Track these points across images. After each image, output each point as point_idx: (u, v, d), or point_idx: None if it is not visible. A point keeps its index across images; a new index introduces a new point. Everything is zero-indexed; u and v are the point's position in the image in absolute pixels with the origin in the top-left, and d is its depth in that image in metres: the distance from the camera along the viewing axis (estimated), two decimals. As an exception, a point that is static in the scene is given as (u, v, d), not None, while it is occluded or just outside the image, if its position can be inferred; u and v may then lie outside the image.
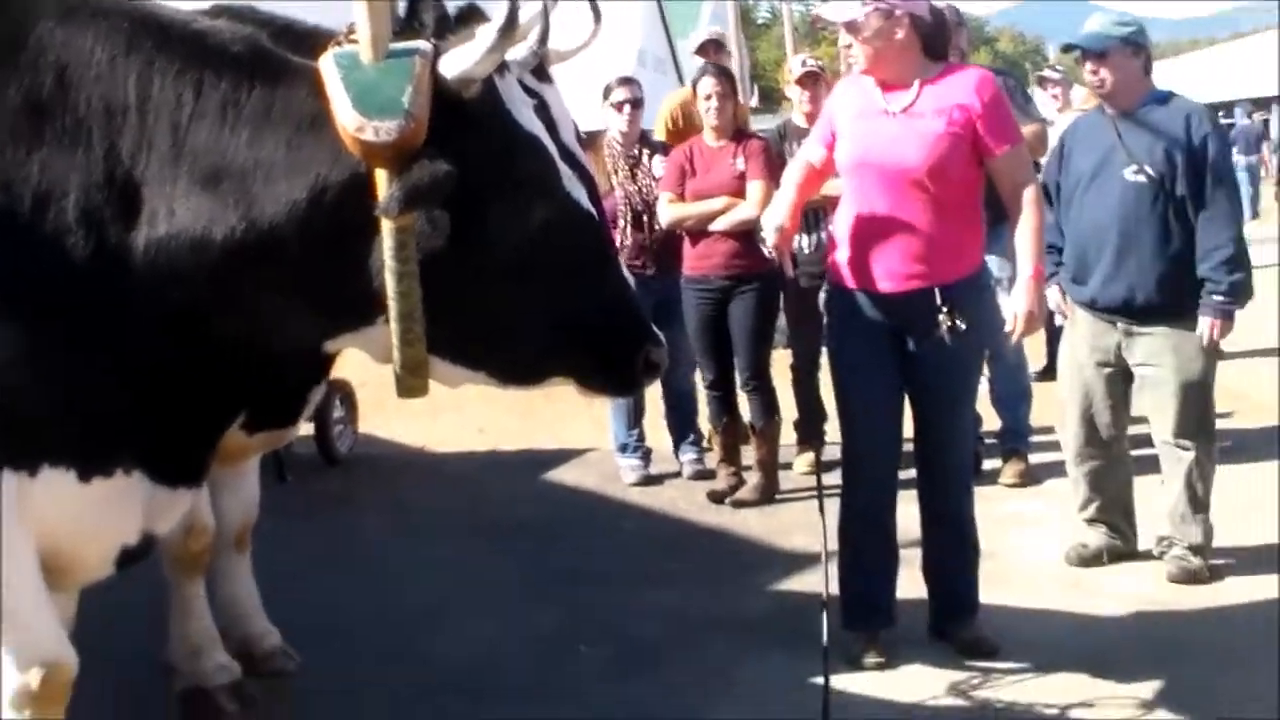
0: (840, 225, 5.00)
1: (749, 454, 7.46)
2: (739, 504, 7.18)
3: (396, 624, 5.52)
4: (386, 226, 3.17)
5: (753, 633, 5.34)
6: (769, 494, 7.24)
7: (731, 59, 14.34)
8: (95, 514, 3.37)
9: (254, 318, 3.37)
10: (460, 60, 3.21)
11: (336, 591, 5.86)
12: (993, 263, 6.52)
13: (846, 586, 5.06)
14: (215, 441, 3.64)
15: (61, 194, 3.19)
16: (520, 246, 3.31)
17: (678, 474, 7.83)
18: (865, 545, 5.04)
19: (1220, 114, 17.22)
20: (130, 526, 3.48)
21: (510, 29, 3.19)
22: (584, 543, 6.68)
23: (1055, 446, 6.37)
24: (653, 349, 3.52)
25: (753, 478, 7.31)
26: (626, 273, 3.67)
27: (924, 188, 4.74)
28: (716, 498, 7.30)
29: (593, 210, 3.53)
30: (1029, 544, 6.29)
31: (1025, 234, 4.86)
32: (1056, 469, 6.57)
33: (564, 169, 3.45)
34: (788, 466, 7.63)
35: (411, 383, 3.41)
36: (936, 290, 4.75)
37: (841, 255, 4.97)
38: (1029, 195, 4.81)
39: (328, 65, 3.22)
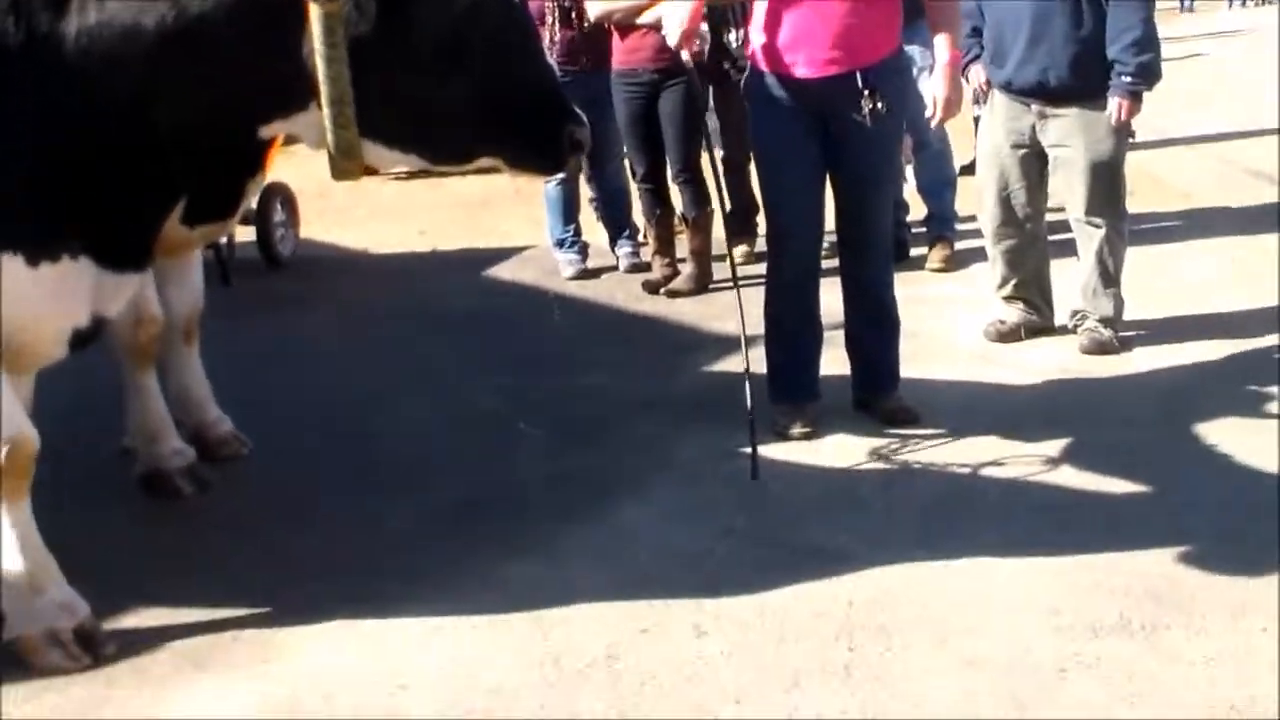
0: (759, 12, 5.06)
1: (682, 246, 7.64)
2: (673, 294, 7.39)
3: (340, 408, 5.74)
4: (315, 11, 3.26)
5: (686, 410, 5.57)
6: (702, 284, 7.45)
7: None
8: (45, 297, 3.52)
9: (189, 104, 3.47)
10: None
11: (281, 382, 6.06)
12: (914, 52, 6.66)
13: (772, 361, 5.30)
14: (157, 226, 3.77)
15: None
16: (445, 28, 3.41)
17: (614, 268, 8.02)
18: (789, 321, 5.27)
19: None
20: (79, 309, 3.63)
21: None
22: (522, 332, 6.89)
23: (980, 234, 6.57)
24: (576, 128, 3.63)
25: (686, 268, 7.51)
26: (548, 57, 3.80)
27: None
28: (651, 288, 7.51)
29: None
30: (950, 324, 6.54)
31: (943, 20, 5.01)
32: (981, 255, 6.78)
33: None
34: (721, 259, 7.80)
35: (344, 165, 3.54)
36: (858, 74, 4.88)
37: (761, 41, 5.06)
38: None
39: None
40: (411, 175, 10.24)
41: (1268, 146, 10.17)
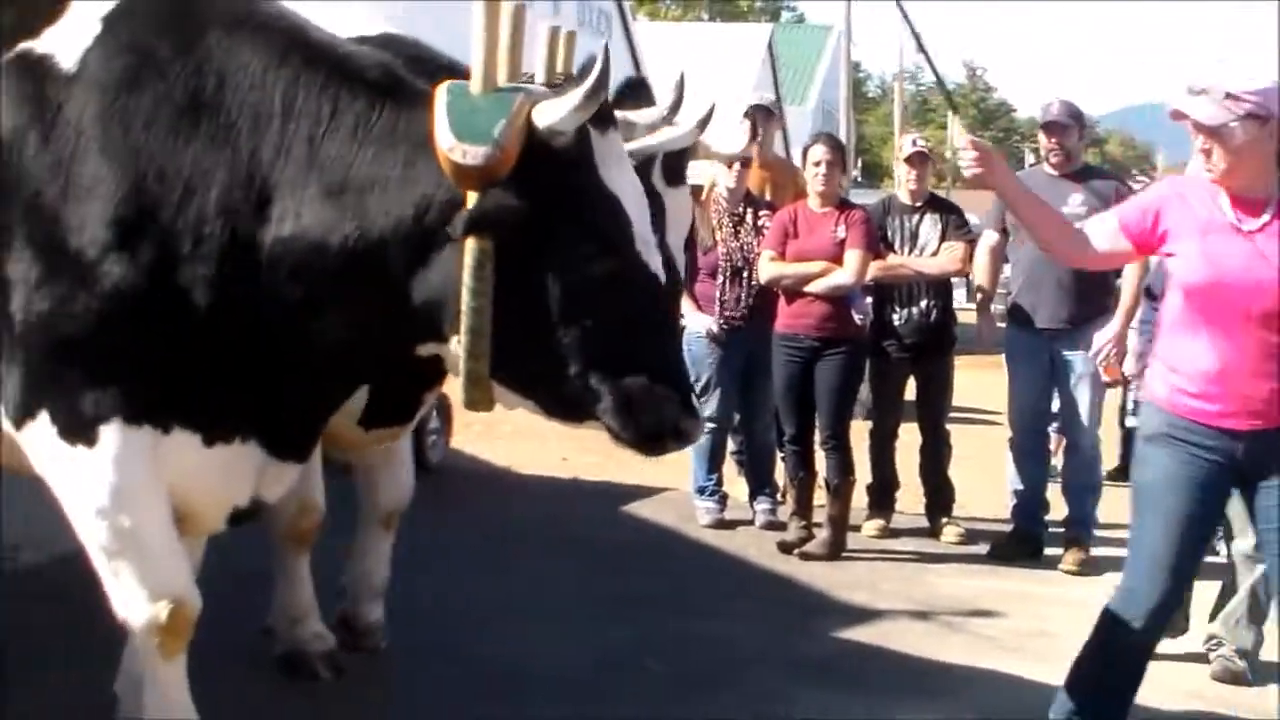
0: (1173, 349, 4.42)
1: (819, 511, 7.74)
2: (806, 556, 7.46)
3: (470, 621, 5.87)
4: (469, 245, 3.45)
5: (809, 672, 5.60)
6: (837, 550, 7.52)
7: (839, 128, 14.57)
8: (214, 474, 3.79)
9: (356, 318, 3.70)
10: (553, 111, 3.48)
11: (417, 585, 6.20)
12: (1075, 358, 6.85)
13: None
14: (322, 423, 4.04)
15: (206, 187, 3.58)
16: (576, 293, 3.52)
17: (750, 522, 8.14)
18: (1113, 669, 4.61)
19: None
20: (243, 489, 3.89)
21: (595, 93, 3.44)
22: (655, 571, 7.00)
23: (1121, 543, 6.52)
24: (685, 419, 3.62)
25: (822, 533, 7.59)
26: (684, 344, 3.91)
27: (1276, 316, 4.20)
28: (786, 548, 7.59)
29: (659, 277, 3.67)
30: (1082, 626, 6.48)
31: None
32: (1119, 563, 6.73)
33: (643, 235, 3.62)
34: (856, 529, 7.90)
35: (474, 395, 3.66)
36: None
37: (1175, 382, 4.38)
38: None
39: (441, 92, 3.53)
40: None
41: None
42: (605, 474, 9.17)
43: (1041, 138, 7.94)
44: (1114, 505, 7.84)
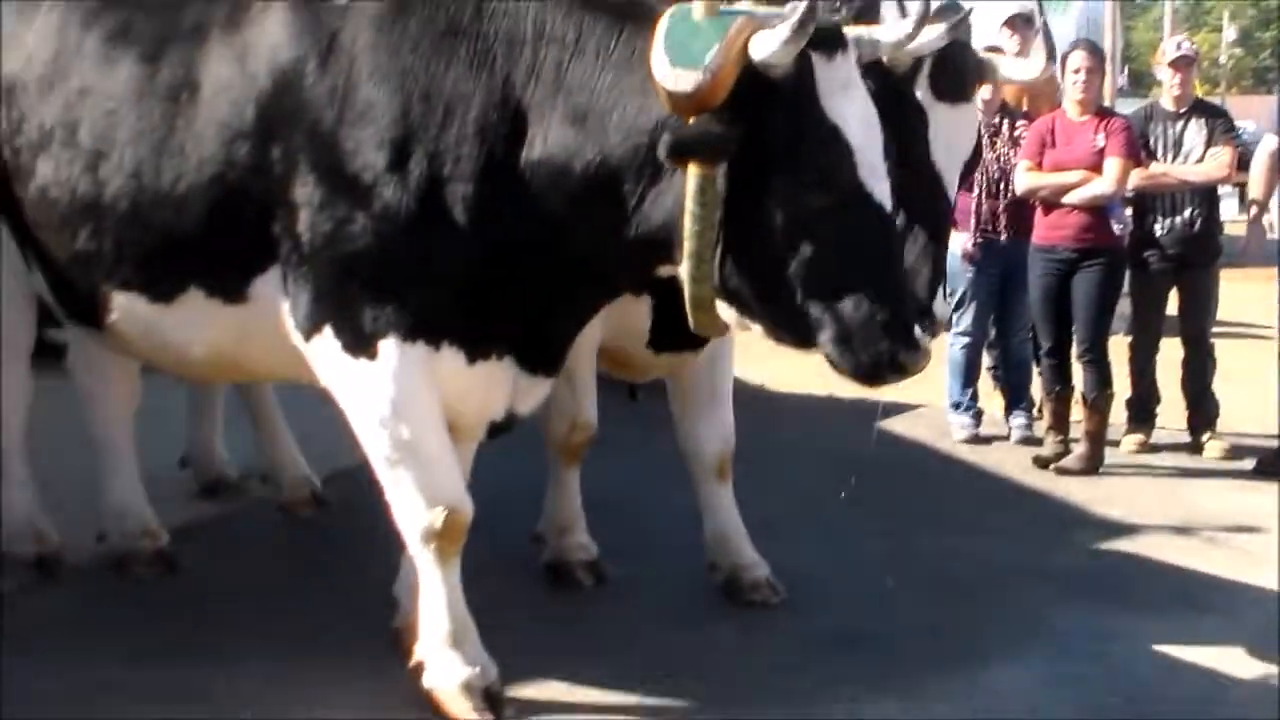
0: None
1: (1077, 425, 7.65)
2: (1063, 471, 7.39)
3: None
4: (691, 171, 3.51)
5: (1065, 585, 5.58)
6: (1094, 465, 7.42)
7: (1103, 34, 14.12)
8: (478, 387, 4.03)
9: (598, 238, 3.82)
10: (766, 43, 3.47)
11: (674, 502, 6.39)
12: None
13: None
14: (569, 339, 4.22)
15: (466, 108, 3.78)
16: (796, 222, 3.55)
17: (1005, 438, 8.09)
18: None
19: None
20: (500, 402, 4.12)
21: (804, 25, 3.41)
22: (909, 485, 7.01)
23: None
24: (904, 351, 3.59)
25: (1079, 448, 7.51)
26: (914, 273, 3.89)
27: None
28: (1042, 463, 7.52)
29: (885, 206, 3.63)
30: None
31: None
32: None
33: (869, 162, 3.58)
34: (1115, 444, 7.78)
35: (699, 318, 3.75)
36: None
37: None
38: None
39: (664, 17, 3.58)
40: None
41: None
42: (861, 390, 9.16)
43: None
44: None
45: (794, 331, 3.68)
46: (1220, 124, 7.86)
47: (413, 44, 3.82)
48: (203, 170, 4.01)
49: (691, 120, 3.48)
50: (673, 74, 3.45)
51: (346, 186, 3.82)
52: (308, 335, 4.00)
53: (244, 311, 4.13)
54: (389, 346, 3.87)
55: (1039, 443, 7.80)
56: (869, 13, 4.30)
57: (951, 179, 4.64)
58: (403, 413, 3.93)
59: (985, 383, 8.42)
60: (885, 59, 4.19)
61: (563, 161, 3.72)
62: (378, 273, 3.84)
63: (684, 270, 3.64)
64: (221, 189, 4.00)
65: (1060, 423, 7.66)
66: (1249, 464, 7.55)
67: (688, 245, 3.58)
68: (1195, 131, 7.79)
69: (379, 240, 3.80)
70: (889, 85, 4.28)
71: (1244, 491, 7.11)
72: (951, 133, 4.58)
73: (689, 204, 3.54)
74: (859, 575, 5.61)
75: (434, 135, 3.78)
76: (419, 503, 4.01)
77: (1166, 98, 8.01)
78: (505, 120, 3.77)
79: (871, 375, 3.65)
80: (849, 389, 8.37)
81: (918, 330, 3.63)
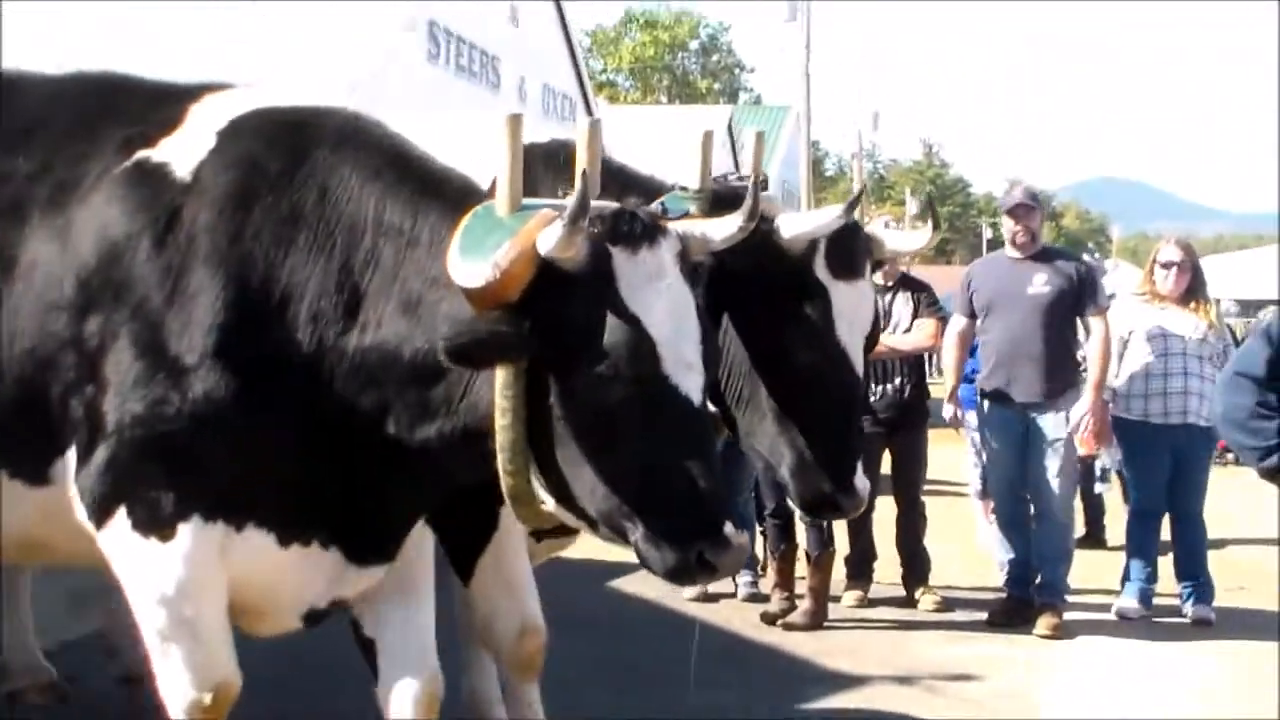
0: None
1: (801, 583, 7.95)
2: (790, 626, 7.68)
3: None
4: (501, 366, 3.49)
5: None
6: (819, 620, 7.74)
7: (799, 207, 14.88)
8: (288, 573, 3.90)
9: (424, 427, 3.74)
10: (550, 236, 3.44)
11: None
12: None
13: None
14: (405, 530, 4.08)
15: (300, 296, 3.72)
16: (598, 416, 3.45)
17: (732, 595, 8.33)
18: None
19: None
20: (319, 590, 3.98)
21: (574, 222, 3.38)
22: (639, 644, 7.18)
23: (1096, 608, 6.71)
24: (709, 548, 3.42)
25: (804, 603, 7.81)
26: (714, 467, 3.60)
27: None
28: (769, 618, 7.80)
29: (691, 399, 3.50)
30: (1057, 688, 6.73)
31: None
32: (1092, 626, 6.94)
33: (675, 355, 3.47)
34: (836, 599, 8.12)
35: (519, 511, 3.68)
36: None
37: None
38: None
39: (471, 212, 3.60)
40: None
41: None
42: (590, 551, 9.30)
43: (1007, 222, 8.19)
44: (1083, 570, 8.17)
45: (609, 527, 3.56)
46: (924, 296, 8.42)
47: (254, 230, 3.75)
48: (13, 346, 3.85)
49: (482, 316, 3.45)
50: (463, 268, 3.44)
51: (165, 367, 3.69)
52: (99, 519, 3.82)
53: (46, 494, 3.94)
54: (186, 528, 3.74)
55: (766, 599, 8.08)
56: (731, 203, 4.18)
57: (856, 354, 4.65)
58: (189, 592, 3.79)
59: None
60: (782, 243, 4.41)
61: (393, 348, 3.66)
62: (186, 455, 3.71)
63: (499, 463, 3.57)
64: (31, 363, 3.83)
65: (785, 580, 7.96)
66: (960, 615, 7.99)
67: (499, 438, 3.52)
68: (903, 303, 8.33)
69: (193, 423, 3.67)
70: (789, 267, 4.46)
71: (958, 642, 7.54)
72: (850, 308, 4.62)
73: (498, 397, 3.50)
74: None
75: (265, 322, 3.71)
76: (190, 680, 3.86)
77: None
78: (340, 306, 3.71)
79: (680, 576, 3.51)
80: (576, 550, 8.52)
81: (728, 528, 3.43)
